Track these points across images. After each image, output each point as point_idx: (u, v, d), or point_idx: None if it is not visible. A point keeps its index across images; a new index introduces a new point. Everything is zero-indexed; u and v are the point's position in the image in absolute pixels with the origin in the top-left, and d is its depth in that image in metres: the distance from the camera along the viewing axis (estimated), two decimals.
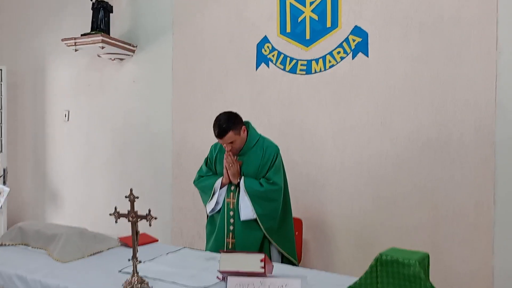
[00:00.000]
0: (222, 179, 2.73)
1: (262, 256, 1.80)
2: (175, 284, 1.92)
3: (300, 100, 3.47)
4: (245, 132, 2.71)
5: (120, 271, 2.08)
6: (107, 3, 4.15)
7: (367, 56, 3.23)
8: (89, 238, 2.44)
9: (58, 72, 4.71)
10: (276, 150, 2.75)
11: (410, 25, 3.09)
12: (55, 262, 2.23)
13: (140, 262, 1.93)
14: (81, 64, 4.55)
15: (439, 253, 3.00)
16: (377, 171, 3.21)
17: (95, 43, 3.95)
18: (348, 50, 3.31)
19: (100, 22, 4.10)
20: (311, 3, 3.42)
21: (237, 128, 2.64)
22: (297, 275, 1.82)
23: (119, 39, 4.14)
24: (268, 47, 3.59)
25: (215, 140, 2.89)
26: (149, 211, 1.87)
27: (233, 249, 2.68)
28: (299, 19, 3.46)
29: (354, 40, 3.28)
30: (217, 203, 2.74)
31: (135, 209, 1.90)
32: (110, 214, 1.94)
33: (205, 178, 2.84)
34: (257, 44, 3.63)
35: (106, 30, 4.10)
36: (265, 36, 3.59)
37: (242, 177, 2.68)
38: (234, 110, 2.74)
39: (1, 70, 4.58)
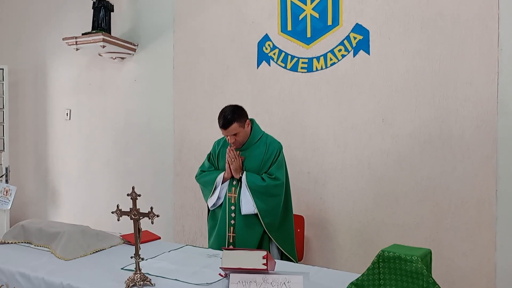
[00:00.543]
0: (224, 173, 2.74)
1: (264, 253, 1.81)
2: (178, 281, 1.93)
3: (301, 98, 3.47)
4: (249, 126, 2.74)
5: (122, 268, 2.09)
6: (108, 2, 4.15)
7: (368, 54, 3.23)
8: (92, 236, 2.45)
9: (59, 71, 4.71)
10: (279, 146, 2.77)
11: (411, 22, 3.09)
12: (58, 260, 2.24)
13: (142, 259, 1.94)
14: (82, 63, 4.55)
15: (441, 249, 3.00)
16: (379, 168, 3.21)
17: (96, 42, 3.95)
18: (349, 47, 3.31)
19: (101, 21, 4.10)
20: (312, 1, 3.42)
21: (242, 121, 2.67)
22: (299, 272, 1.82)
23: (120, 38, 4.14)
24: (269, 45, 3.59)
25: (216, 137, 2.90)
26: (151, 208, 1.88)
27: (234, 244, 2.69)
28: (300, 17, 3.46)
29: (355, 38, 3.28)
30: (218, 198, 2.76)
31: (137, 206, 1.91)
32: (112, 212, 1.95)
33: (207, 173, 2.86)
34: (258, 42, 3.63)
35: (107, 29, 4.10)
36: (266, 34, 3.59)
37: (244, 172, 2.69)
38: None
39: (3, 69, 4.58)
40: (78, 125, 4.63)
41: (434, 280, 1.62)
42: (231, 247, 2.66)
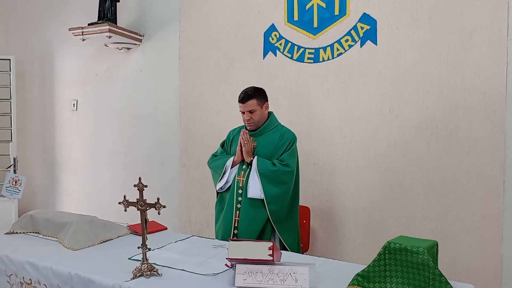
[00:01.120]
0: (234, 157, 2.76)
1: (270, 244, 1.81)
2: (184, 272, 1.94)
3: (307, 89, 3.46)
4: (267, 110, 2.80)
5: (130, 258, 2.11)
6: None
7: (376, 44, 3.20)
8: (99, 226, 2.47)
9: (66, 62, 4.72)
10: (294, 137, 2.80)
11: (419, 11, 3.06)
12: (65, 250, 2.26)
13: (149, 249, 1.95)
14: (88, 53, 4.55)
15: (447, 241, 3.00)
16: (385, 160, 3.20)
17: (102, 32, 3.95)
18: (356, 38, 3.28)
19: (107, 11, 4.10)
20: None
21: (261, 100, 2.74)
22: (305, 263, 1.83)
23: (126, 28, 4.14)
24: (275, 35, 3.57)
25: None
26: (158, 199, 1.89)
27: (237, 228, 2.70)
28: (307, 7, 3.43)
29: (362, 28, 3.25)
30: (227, 181, 2.78)
31: (144, 197, 1.92)
32: (119, 203, 1.96)
33: (218, 158, 2.90)
34: (264, 33, 3.61)
35: (113, 20, 4.10)
36: (272, 24, 3.57)
37: (256, 156, 2.70)
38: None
39: (10, 60, 4.59)
40: (84, 115, 4.65)
41: (440, 271, 1.62)
42: (234, 238, 2.67)
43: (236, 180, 2.74)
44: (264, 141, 2.76)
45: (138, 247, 1.94)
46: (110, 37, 3.96)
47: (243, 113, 2.74)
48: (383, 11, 3.17)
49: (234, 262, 1.82)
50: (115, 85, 4.42)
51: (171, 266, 2.00)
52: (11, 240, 2.43)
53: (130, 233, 2.57)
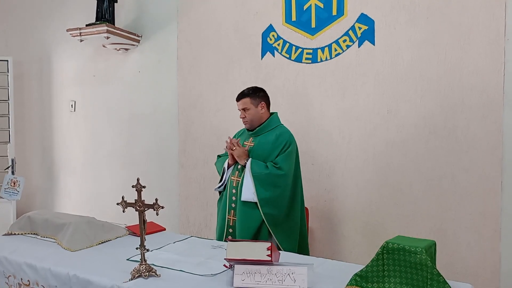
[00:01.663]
0: (228, 160, 2.81)
1: (268, 244, 1.81)
2: (183, 272, 1.94)
3: (305, 89, 3.46)
4: (263, 110, 2.81)
5: (128, 259, 2.11)
6: None
7: (373, 44, 3.20)
8: (97, 227, 2.47)
9: (64, 63, 4.72)
10: (291, 139, 2.77)
11: (417, 11, 3.06)
12: (64, 251, 2.26)
13: (147, 250, 1.95)
14: (86, 54, 4.55)
15: (445, 240, 3.00)
16: (383, 159, 3.21)
17: (100, 33, 3.95)
18: (354, 38, 3.28)
19: (105, 12, 4.09)
20: None
21: (255, 99, 2.77)
22: (304, 263, 1.83)
23: (124, 29, 4.14)
24: (273, 35, 3.57)
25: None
26: (156, 200, 1.89)
27: (233, 227, 2.71)
28: (305, 7, 3.43)
29: (360, 28, 3.25)
30: (225, 182, 2.83)
31: (142, 198, 1.92)
32: (118, 204, 1.96)
33: (220, 159, 2.95)
34: (262, 33, 3.61)
35: (111, 20, 4.09)
36: (270, 24, 3.57)
37: (250, 159, 2.70)
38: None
39: (7, 61, 4.59)
40: (83, 116, 4.64)
41: (438, 271, 1.62)
42: (230, 237, 2.66)
43: (230, 180, 2.75)
44: (262, 141, 2.76)
45: (137, 248, 1.94)
46: (108, 37, 3.96)
47: (238, 108, 2.83)
48: (380, 11, 3.17)
49: (232, 263, 1.82)
50: (113, 86, 4.41)
51: (170, 267, 2.00)
52: (9, 241, 2.43)
53: (129, 234, 2.57)
